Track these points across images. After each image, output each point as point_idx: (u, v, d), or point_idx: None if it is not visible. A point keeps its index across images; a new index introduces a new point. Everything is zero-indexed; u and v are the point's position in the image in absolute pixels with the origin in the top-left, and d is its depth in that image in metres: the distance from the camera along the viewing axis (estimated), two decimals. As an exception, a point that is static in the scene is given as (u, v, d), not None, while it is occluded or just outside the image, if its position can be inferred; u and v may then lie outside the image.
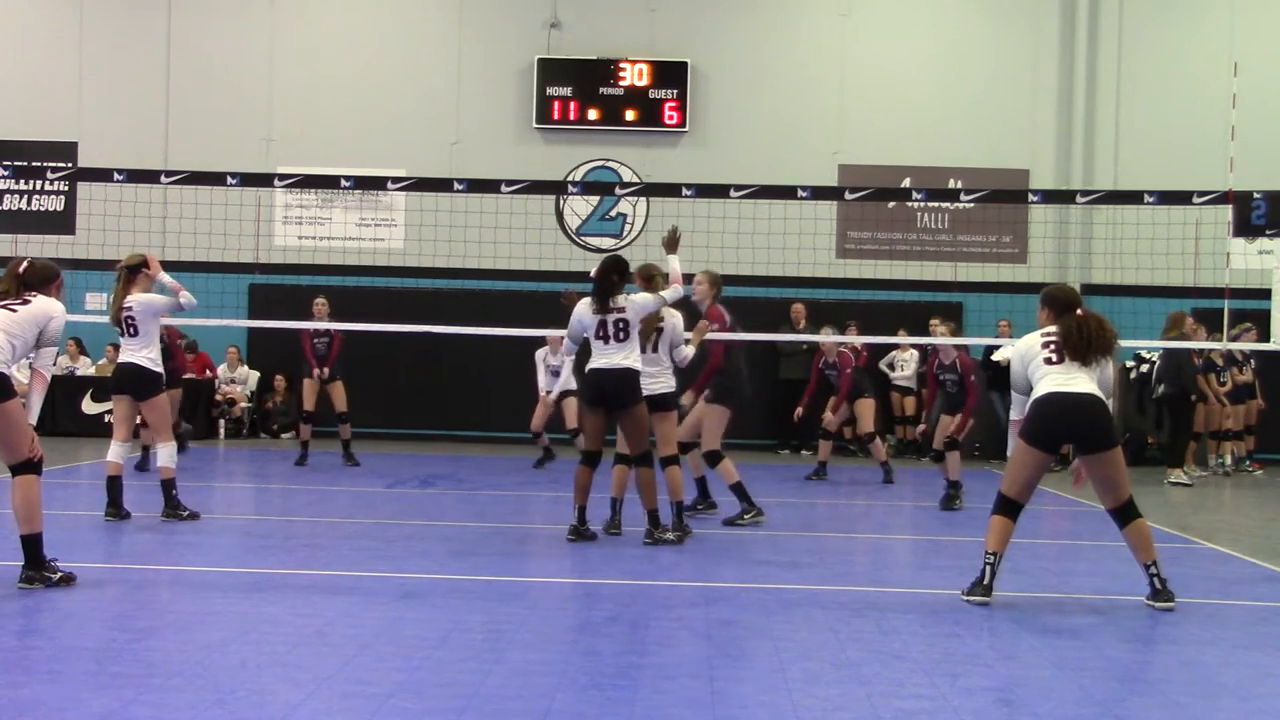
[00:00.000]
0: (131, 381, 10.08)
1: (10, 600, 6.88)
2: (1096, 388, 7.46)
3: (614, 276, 9.36)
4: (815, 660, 6.00)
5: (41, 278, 7.69)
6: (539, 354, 15.47)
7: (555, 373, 15.28)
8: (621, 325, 9.30)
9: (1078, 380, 7.42)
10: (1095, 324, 7.48)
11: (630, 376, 9.26)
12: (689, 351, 9.82)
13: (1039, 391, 7.52)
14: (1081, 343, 7.41)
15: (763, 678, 5.64)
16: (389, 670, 5.58)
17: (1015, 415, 7.90)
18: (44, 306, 7.51)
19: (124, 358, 10.11)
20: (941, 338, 12.88)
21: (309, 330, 14.97)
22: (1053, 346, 7.53)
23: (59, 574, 7.24)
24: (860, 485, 14.89)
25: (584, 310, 9.44)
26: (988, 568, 7.54)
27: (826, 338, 15.21)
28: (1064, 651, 6.35)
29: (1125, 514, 7.52)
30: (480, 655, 5.88)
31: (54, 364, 7.88)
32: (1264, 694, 5.73)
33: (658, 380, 9.66)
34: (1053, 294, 7.83)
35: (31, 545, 7.21)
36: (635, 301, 9.41)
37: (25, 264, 7.69)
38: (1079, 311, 7.58)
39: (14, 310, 7.40)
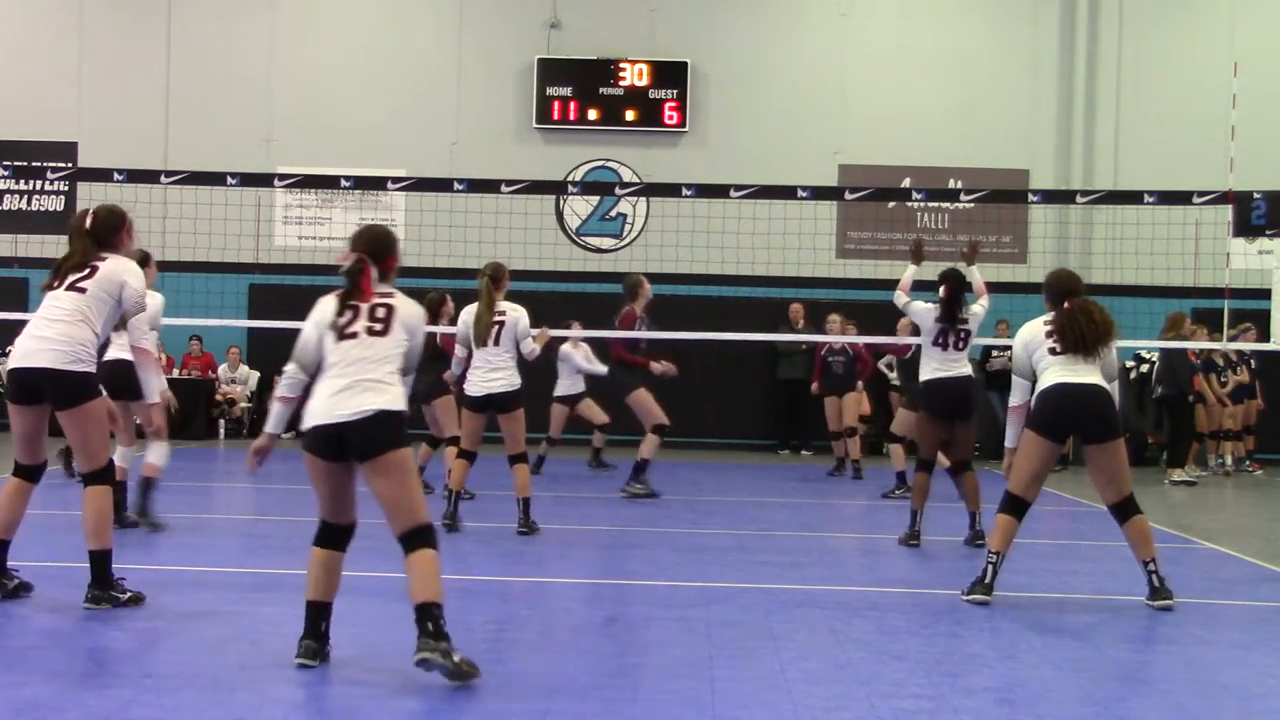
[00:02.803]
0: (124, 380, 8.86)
1: (10, 600, 6.88)
2: (1101, 377, 7.50)
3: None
4: (815, 660, 6.00)
5: (107, 226, 6.81)
6: (563, 349, 15.01)
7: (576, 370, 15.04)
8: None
9: (1081, 370, 7.45)
10: (1085, 318, 7.44)
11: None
12: (535, 348, 10.03)
13: (1046, 382, 7.53)
14: (1075, 337, 7.44)
15: (763, 678, 5.65)
16: (389, 670, 5.58)
17: (1016, 401, 7.93)
18: (111, 271, 6.67)
19: (112, 354, 8.76)
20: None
21: None
22: (1055, 336, 7.57)
23: (127, 594, 6.70)
24: (860, 485, 14.90)
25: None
26: (990, 567, 7.55)
27: (837, 337, 15.14)
28: (1064, 651, 6.35)
29: (1125, 509, 7.52)
30: (480, 655, 5.88)
31: (151, 332, 7.57)
32: (1264, 694, 5.74)
33: (501, 377, 9.81)
34: (1048, 282, 7.89)
35: (100, 563, 6.66)
36: (516, 311, 9.95)
37: (89, 217, 6.81)
38: (1067, 304, 7.54)
39: (82, 289, 6.62)
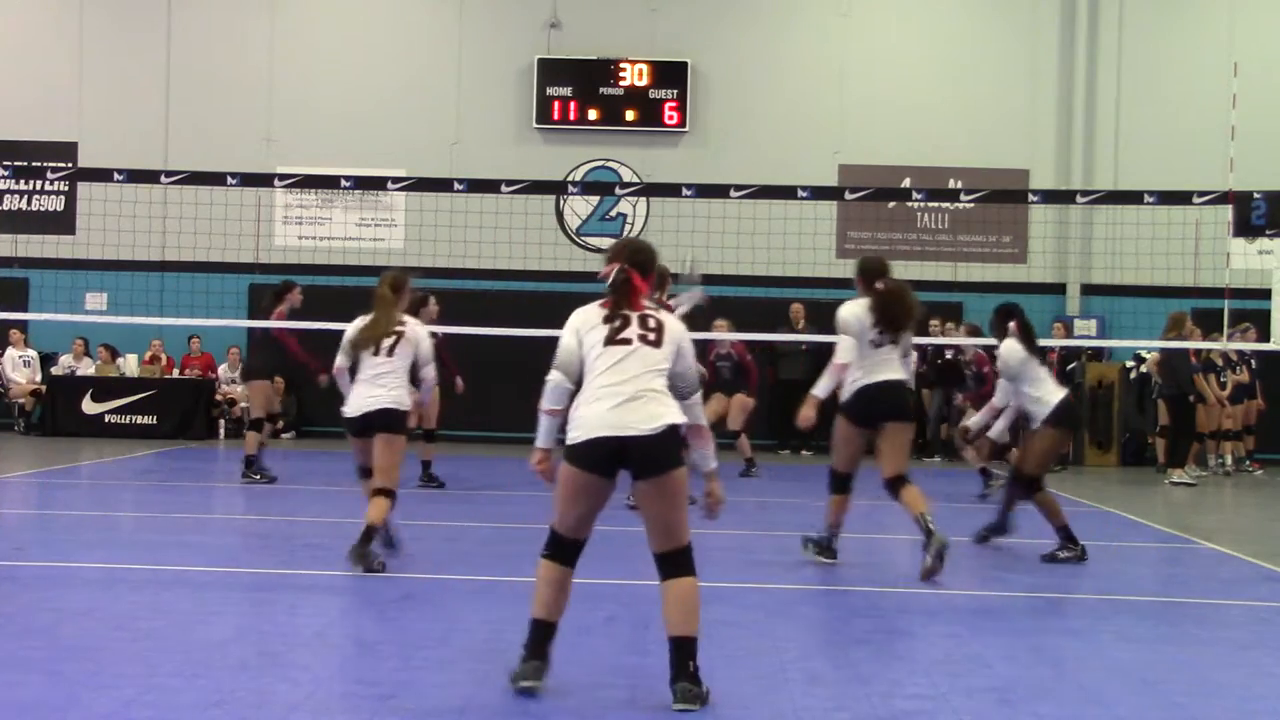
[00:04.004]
0: None
1: (10, 600, 6.88)
2: (904, 371, 8.51)
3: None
4: (815, 660, 6.00)
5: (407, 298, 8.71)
6: None
7: None
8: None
9: (893, 365, 8.41)
10: (897, 299, 8.38)
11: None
12: (433, 378, 8.80)
13: (867, 379, 8.30)
14: (890, 316, 8.30)
15: (763, 678, 5.64)
16: (389, 670, 5.58)
17: (844, 359, 8.37)
18: (413, 334, 8.40)
19: None
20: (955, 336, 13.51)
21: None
22: (873, 315, 8.33)
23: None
24: (860, 485, 14.86)
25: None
26: (833, 539, 8.60)
27: (725, 335, 14.55)
28: (1064, 651, 6.35)
29: (898, 485, 8.38)
30: (480, 655, 5.88)
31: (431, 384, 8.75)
32: (1264, 694, 5.74)
33: (386, 392, 8.31)
34: (862, 266, 8.64)
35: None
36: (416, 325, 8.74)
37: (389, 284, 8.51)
38: (879, 285, 8.37)
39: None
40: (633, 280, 5.46)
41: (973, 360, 13.45)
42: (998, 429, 9.63)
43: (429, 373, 8.61)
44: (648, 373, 5.32)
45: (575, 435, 5.28)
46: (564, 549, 5.43)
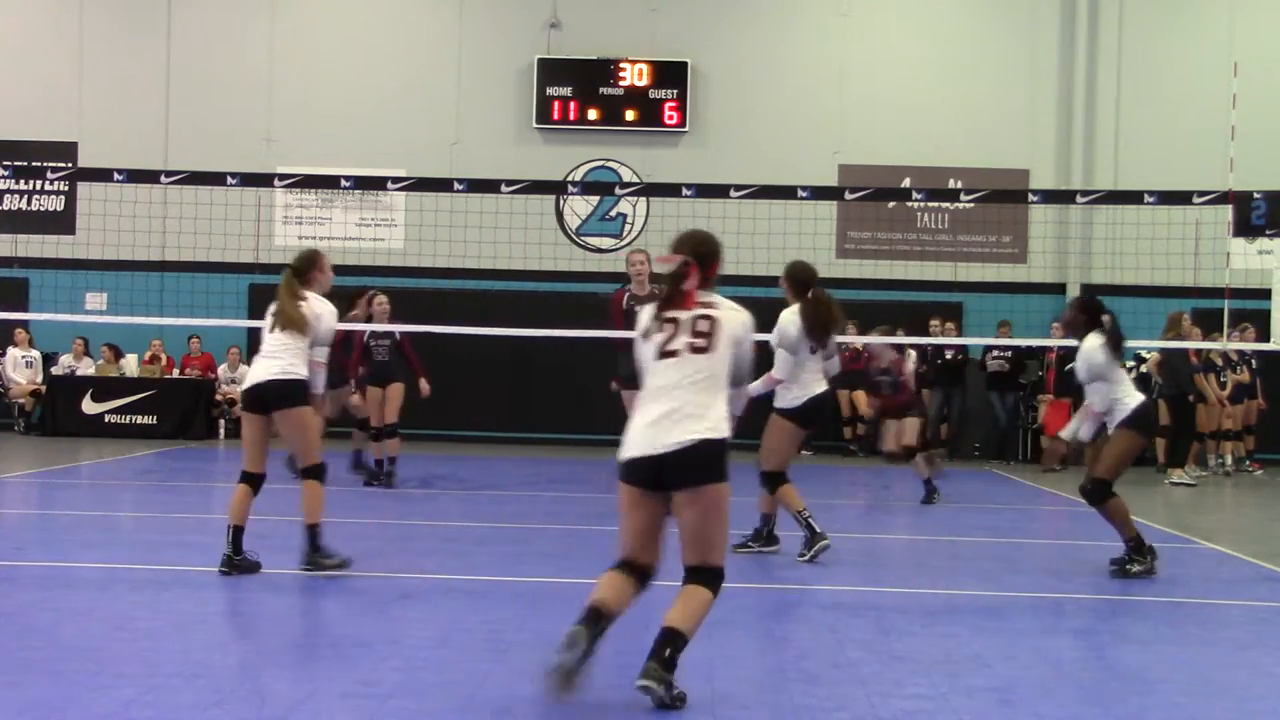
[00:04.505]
0: None
1: (10, 600, 6.88)
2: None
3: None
4: (815, 660, 6.00)
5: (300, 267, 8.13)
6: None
7: None
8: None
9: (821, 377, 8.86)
10: (825, 309, 8.78)
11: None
12: (323, 361, 8.09)
13: (814, 391, 8.78)
14: (820, 323, 8.67)
15: (763, 678, 5.64)
16: (389, 670, 5.58)
17: (781, 375, 8.78)
18: (313, 309, 7.92)
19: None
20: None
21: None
22: (805, 322, 8.64)
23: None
24: (860, 486, 14.89)
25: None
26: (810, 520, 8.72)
27: (878, 338, 14.30)
28: (1064, 651, 6.35)
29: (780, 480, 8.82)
30: (480, 655, 5.88)
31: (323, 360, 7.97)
32: (1264, 694, 5.74)
33: (278, 363, 7.83)
34: (793, 274, 9.04)
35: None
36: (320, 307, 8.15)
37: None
38: (812, 294, 8.72)
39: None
40: (690, 273, 5.35)
41: (891, 366, 13.13)
42: (1087, 431, 8.86)
43: (318, 354, 7.95)
44: (689, 385, 5.25)
45: (621, 453, 5.31)
46: (629, 566, 5.33)
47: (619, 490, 5.30)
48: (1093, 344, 8.66)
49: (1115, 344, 8.74)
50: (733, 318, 5.39)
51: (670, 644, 5.09)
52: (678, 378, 5.25)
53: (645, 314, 5.43)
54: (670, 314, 5.32)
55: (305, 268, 8.23)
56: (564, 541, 9.73)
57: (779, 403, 8.91)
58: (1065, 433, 8.96)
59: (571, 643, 5.00)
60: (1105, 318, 8.81)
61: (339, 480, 13.32)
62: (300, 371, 7.78)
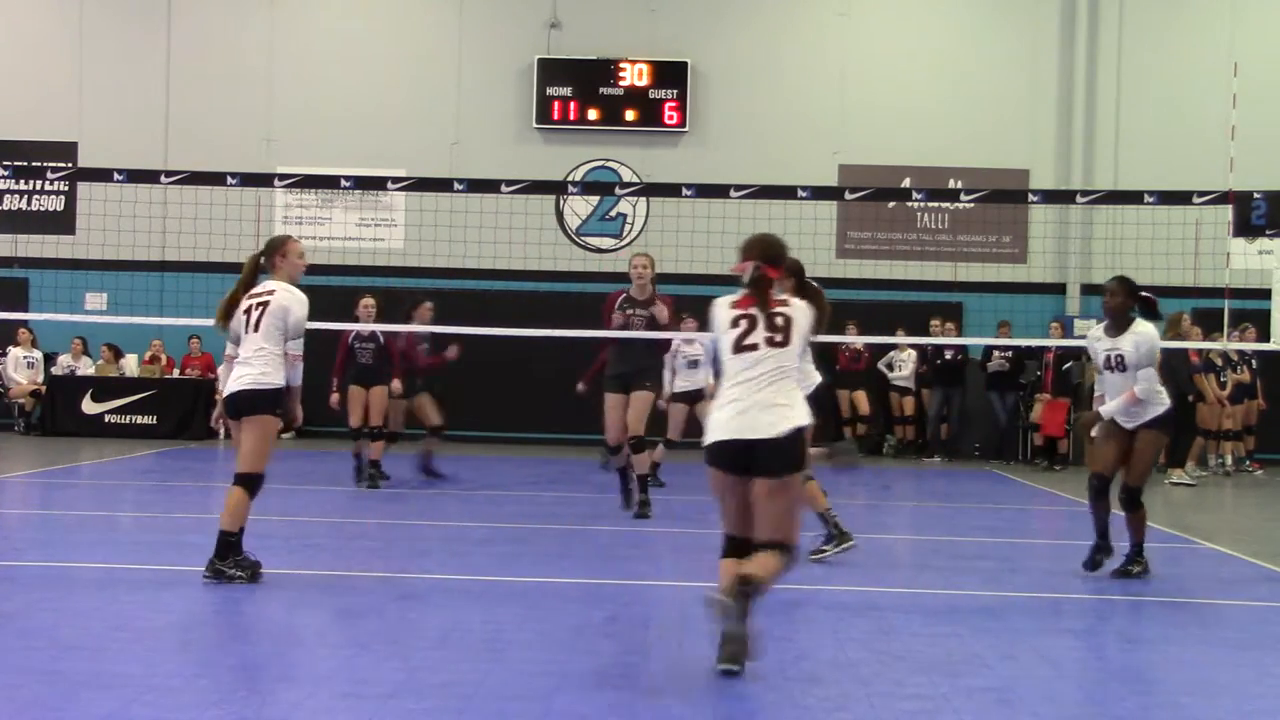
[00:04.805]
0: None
1: (10, 600, 6.88)
2: None
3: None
4: (815, 660, 6.00)
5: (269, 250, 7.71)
6: (671, 346, 13.28)
7: (693, 364, 13.51)
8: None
9: None
10: (822, 297, 7.54)
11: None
12: (299, 353, 7.72)
13: (815, 380, 8.31)
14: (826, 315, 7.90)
15: (763, 678, 5.64)
16: (389, 670, 5.58)
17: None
18: (279, 302, 7.50)
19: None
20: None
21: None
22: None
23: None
24: (860, 486, 14.88)
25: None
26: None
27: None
28: (1064, 651, 6.35)
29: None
30: (480, 655, 5.88)
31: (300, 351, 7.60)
32: (1264, 694, 5.74)
33: (249, 372, 7.63)
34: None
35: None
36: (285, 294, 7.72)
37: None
38: (806, 285, 7.48)
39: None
40: (766, 277, 5.74)
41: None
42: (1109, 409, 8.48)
43: (294, 347, 7.62)
44: (775, 376, 5.63)
45: (708, 437, 5.67)
46: (735, 546, 5.70)
47: (709, 474, 5.68)
48: (1153, 330, 8.44)
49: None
50: (803, 312, 5.82)
51: (747, 585, 5.42)
52: (759, 370, 5.62)
53: (723, 312, 5.77)
54: (750, 312, 5.70)
55: (267, 252, 7.83)
56: (564, 541, 9.72)
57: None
58: (1106, 410, 8.43)
59: (726, 611, 5.39)
60: (1155, 303, 8.58)
61: (342, 480, 13.33)
62: (273, 380, 7.53)
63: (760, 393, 5.59)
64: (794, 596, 7.69)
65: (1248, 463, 17.67)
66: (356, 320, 13.14)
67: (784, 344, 5.68)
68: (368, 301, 13.23)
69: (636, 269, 11.27)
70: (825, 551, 8.67)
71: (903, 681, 5.66)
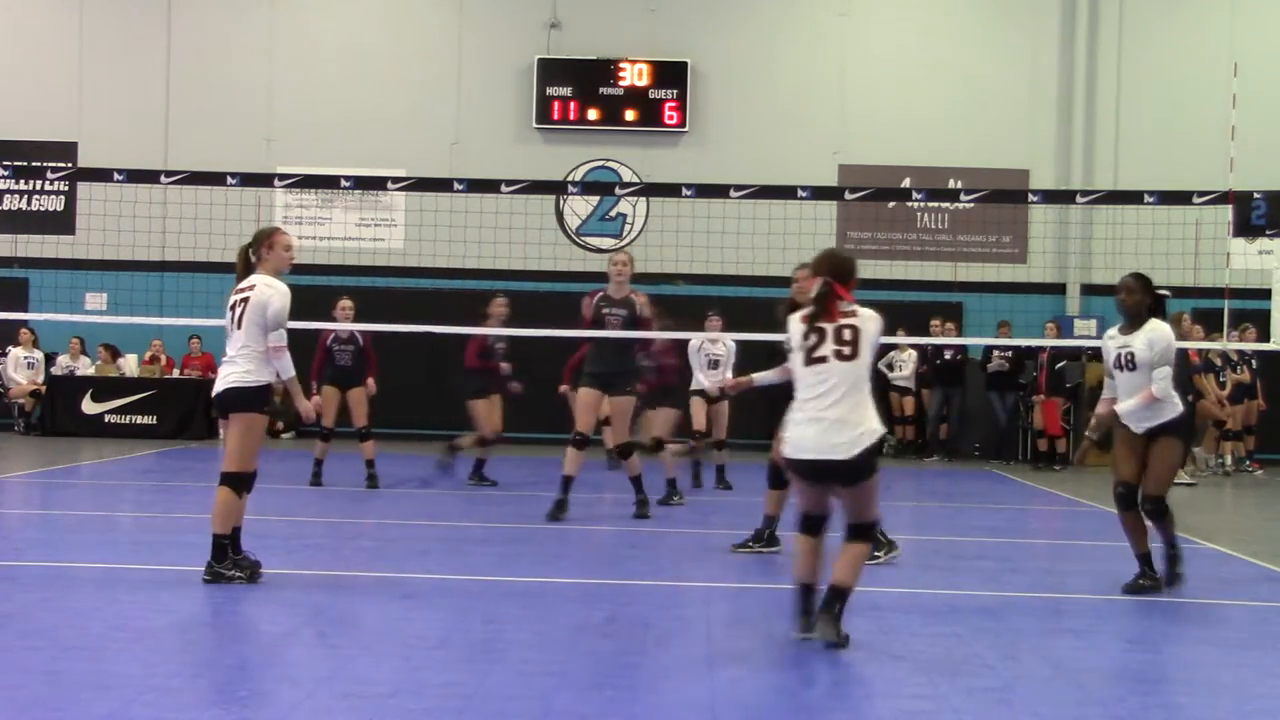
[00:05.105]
0: None
1: (10, 600, 6.88)
2: None
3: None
4: (815, 660, 6.00)
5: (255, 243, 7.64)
6: (693, 343, 13.34)
7: (714, 364, 13.26)
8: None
9: None
10: None
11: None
12: (281, 344, 7.52)
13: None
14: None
15: (762, 677, 5.64)
16: (389, 670, 5.58)
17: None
18: (259, 297, 7.41)
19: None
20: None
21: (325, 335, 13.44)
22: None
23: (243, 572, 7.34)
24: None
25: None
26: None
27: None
28: (1064, 651, 6.35)
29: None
30: (480, 655, 5.88)
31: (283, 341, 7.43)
32: (1264, 694, 5.73)
33: (232, 371, 7.56)
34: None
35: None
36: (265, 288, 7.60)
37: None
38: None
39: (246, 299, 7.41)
40: (834, 293, 6.10)
41: (653, 351, 12.73)
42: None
43: (274, 339, 7.47)
44: (847, 389, 6.03)
45: (790, 452, 6.12)
46: (810, 523, 6.21)
47: (790, 474, 6.29)
48: (1168, 329, 8.17)
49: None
50: (870, 325, 6.15)
51: (839, 599, 6.01)
52: (831, 383, 6.01)
53: (796, 326, 6.13)
54: (818, 325, 6.06)
55: (255, 243, 7.72)
56: (564, 541, 9.72)
57: None
58: (1122, 409, 8.09)
59: (808, 628, 6.05)
60: (1166, 300, 8.35)
61: (341, 480, 13.33)
62: (258, 377, 7.45)
63: (832, 409, 5.96)
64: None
65: (1248, 463, 17.66)
66: (334, 322, 13.13)
67: (852, 356, 6.02)
68: (345, 303, 13.24)
69: (617, 266, 11.24)
70: (877, 558, 8.40)
71: (903, 681, 5.66)
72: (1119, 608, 7.58)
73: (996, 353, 18.35)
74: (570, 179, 18.89)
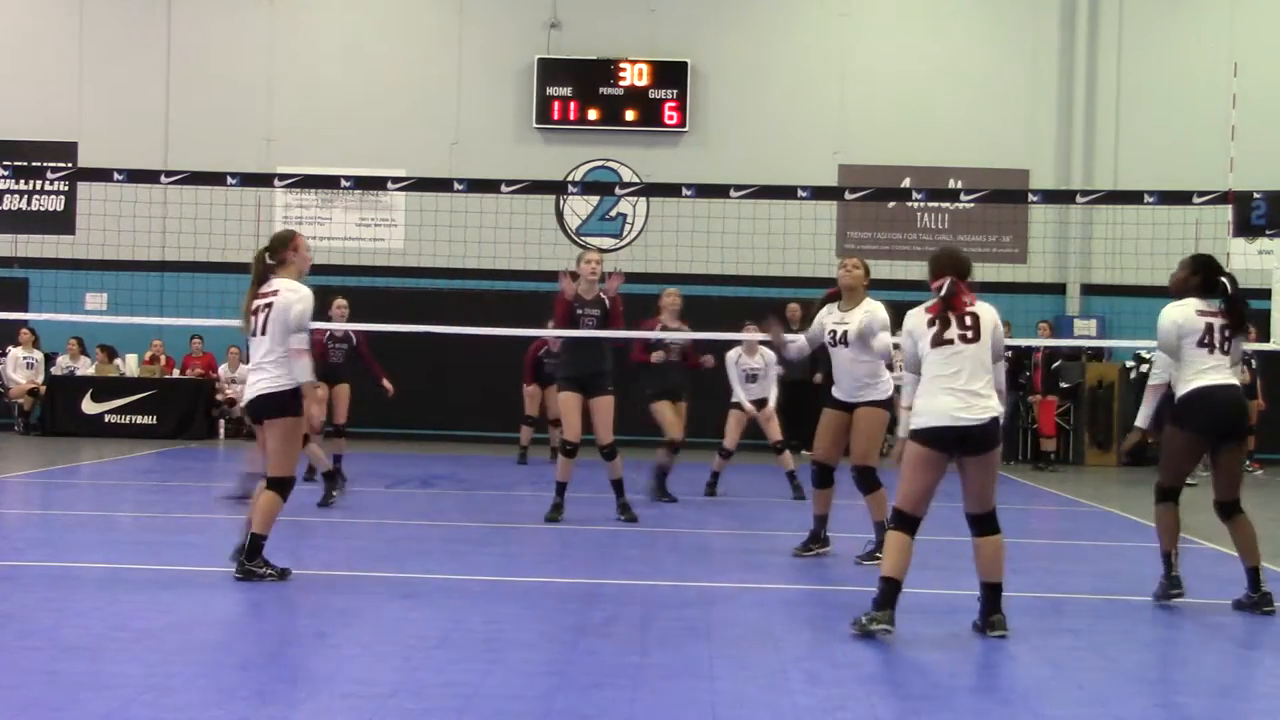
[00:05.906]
0: None
1: (10, 600, 6.89)
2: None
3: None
4: (815, 660, 6.00)
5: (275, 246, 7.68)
6: (731, 355, 13.08)
7: (751, 378, 12.95)
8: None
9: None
10: None
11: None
12: (304, 347, 7.49)
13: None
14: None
15: (763, 678, 5.64)
16: (389, 670, 5.58)
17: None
18: (282, 302, 7.46)
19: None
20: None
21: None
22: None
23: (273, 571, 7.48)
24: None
25: None
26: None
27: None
28: (1064, 651, 6.35)
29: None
30: (480, 655, 5.88)
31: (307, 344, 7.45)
32: (1264, 694, 5.73)
33: (263, 377, 7.54)
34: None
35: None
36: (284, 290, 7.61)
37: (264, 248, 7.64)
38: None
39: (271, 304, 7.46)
40: (960, 289, 6.69)
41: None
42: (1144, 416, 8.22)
43: (295, 341, 7.46)
44: (973, 368, 6.56)
45: (922, 421, 6.52)
46: (907, 522, 6.52)
47: (911, 454, 6.51)
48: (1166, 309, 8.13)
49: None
50: (989, 313, 6.76)
51: (998, 594, 6.58)
52: (958, 363, 6.53)
53: (918, 317, 6.72)
54: (945, 314, 6.63)
55: (277, 246, 7.68)
56: (564, 541, 9.72)
57: (874, 395, 8.89)
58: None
59: (886, 620, 6.29)
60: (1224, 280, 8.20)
61: (364, 481, 13.32)
62: (288, 380, 7.45)
63: (964, 384, 6.48)
64: (794, 596, 7.70)
65: (1248, 463, 17.66)
66: (330, 320, 13.09)
67: (975, 339, 6.59)
68: (340, 302, 13.18)
69: (590, 265, 11.15)
70: (878, 558, 8.32)
71: (903, 681, 5.66)
72: (1119, 608, 7.57)
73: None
74: (570, 179, 18.89)
